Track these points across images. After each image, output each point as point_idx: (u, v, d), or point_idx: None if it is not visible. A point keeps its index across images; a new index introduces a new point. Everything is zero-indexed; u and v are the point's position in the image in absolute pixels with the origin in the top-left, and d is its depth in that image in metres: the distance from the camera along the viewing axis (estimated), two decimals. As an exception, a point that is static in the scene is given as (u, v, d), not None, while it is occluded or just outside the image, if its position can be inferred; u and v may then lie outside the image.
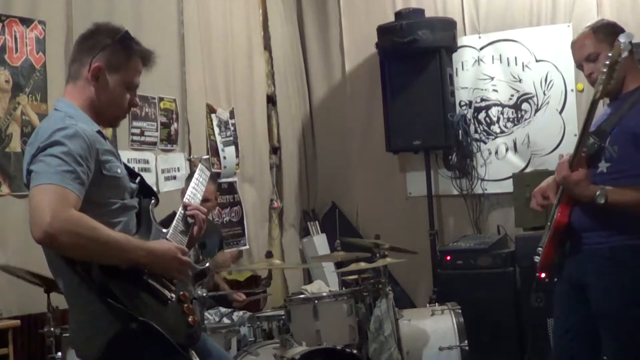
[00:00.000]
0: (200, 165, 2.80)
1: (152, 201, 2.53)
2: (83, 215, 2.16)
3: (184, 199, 2.66)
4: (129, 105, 2.49)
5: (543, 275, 3.16)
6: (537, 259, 3.18)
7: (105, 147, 2.36)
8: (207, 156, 2.93)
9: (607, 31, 3.07)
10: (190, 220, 2.59)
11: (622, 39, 2.73)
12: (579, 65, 3.15)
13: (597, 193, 2.89)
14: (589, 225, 3.02)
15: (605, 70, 2.77)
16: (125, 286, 2.26)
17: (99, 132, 2.38)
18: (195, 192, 2.72)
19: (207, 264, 2.66)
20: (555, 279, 3.18)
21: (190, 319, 2.40)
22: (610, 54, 2.75)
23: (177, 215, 2.57)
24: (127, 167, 2.50)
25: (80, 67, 2.42)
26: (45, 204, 2.11)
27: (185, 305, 2.41)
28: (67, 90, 2.47)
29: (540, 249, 3.17)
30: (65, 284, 2.35)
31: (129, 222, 2.40)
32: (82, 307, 2.32)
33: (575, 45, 3.14)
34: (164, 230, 2.50)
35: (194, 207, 2.62)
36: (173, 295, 2.37)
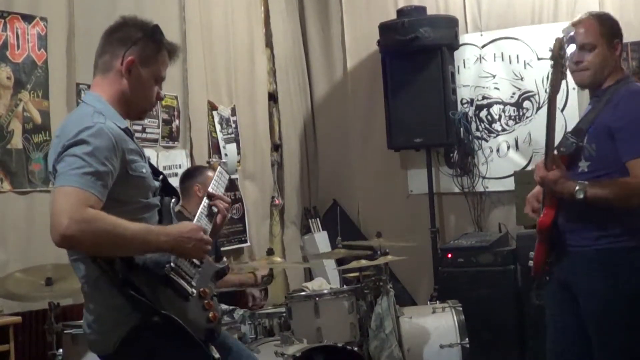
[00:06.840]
0: (219, 168, 2.82)
1: (174, 200, 2.55)
2: (99, 212, 2.15)
3: (209, 189, 2.68)
4: (156, 98, 2.51)
5: (538, 276, 3.18)
6: (531, 263, 3.20)
7: (131, 146, 2.35)
8: (226, 160, 2.96)
9: (612, 30, 3.03)
10: (214, 209, 2.60)
11: (562, 33, 2.73)
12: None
13: (576, 189, 2.86)
14: (575, 227, 3.00)
15: (552, 67, 2.75)
16: (147, 280, 2.27)
17: (126, 129, 2.37)
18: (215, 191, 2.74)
19: (227, 263, 2.68)
20: (548, 278, 3.19)
21: (210, 315, 2.42)
22: (551, 48, 2.72)
23: (201, 206, 2.59)
24: (151, 165, 2.51)
25: (112, 59, 2.41)
26: (63, 207, 2.11)
27: (206, 301, 2.43)
28: (95, 82, 2.46)
29: (532, 252, 3.18)
30: (84, 276, 2.35)
31: (151, 220, 2.40)
32: (101, 300, 2.32)
33: (578, 28, 3.00)
34: None
35: (218, 196, 2.64)
36: (194, 290, 2.37)
